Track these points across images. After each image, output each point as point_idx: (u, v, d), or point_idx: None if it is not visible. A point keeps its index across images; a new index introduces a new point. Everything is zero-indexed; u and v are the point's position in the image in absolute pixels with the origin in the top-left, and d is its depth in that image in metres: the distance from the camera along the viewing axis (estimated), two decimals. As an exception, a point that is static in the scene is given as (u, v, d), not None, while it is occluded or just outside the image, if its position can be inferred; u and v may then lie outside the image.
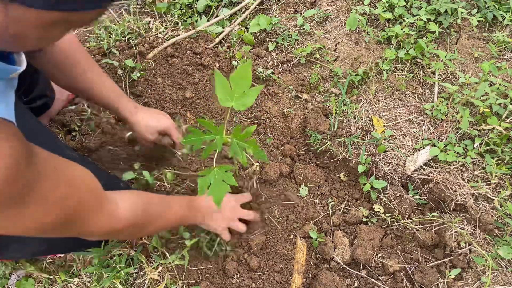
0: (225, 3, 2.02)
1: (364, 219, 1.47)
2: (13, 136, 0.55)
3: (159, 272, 1.26)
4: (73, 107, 1.61)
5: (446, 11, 1.75)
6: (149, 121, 1.30)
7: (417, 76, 1.71)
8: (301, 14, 1.94)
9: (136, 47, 1.79)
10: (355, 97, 1.69)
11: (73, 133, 1.50)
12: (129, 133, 1.48)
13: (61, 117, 1.56)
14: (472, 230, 1.38)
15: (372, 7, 1.88)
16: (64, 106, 1.58)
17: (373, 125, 1.61)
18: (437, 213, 1.42)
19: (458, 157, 1.48)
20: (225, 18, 1.96)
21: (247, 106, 1.14)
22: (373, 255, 1.38)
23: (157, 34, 1.90)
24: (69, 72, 1.15)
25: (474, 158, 1.49)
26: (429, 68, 1.71)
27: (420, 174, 1.49)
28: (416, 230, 1.41)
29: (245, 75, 1.11)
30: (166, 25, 1.96)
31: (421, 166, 1.50)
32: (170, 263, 1.28)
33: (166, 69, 1.76)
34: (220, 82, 1.13)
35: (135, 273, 1.27)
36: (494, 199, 1.40)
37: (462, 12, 1.72)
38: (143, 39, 1.84)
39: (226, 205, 1.30)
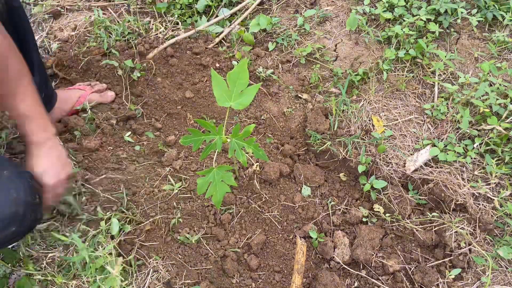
0: (225, 3, 2.02)
1: (364, 219, 1.47)
2: None
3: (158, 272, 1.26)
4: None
5: (446, 11, 1.75)
6: (36, 167, 1.14)
7: (417, 76, 1.71)
8: (301, 14, 1.94)
9: (136, 47, 1.79)
10: (355, 97, 1.69)
11: (75, 133, 1.50)
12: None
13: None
14: (472, 230, 1.38)
15: (372, 7, 1.88)
16: (64, 116, 1.56)
17: (373, 125, 1.61)
18: (437, 213, 1.42)
19: (458, 157, 1.48)
20: (225, 18, 1.96)
21: (246, 106, 1.14)
22: (373, 255, 1.38)
23: (157, 34, 1.91)
24: None
25: (474, 158, 1.49)
26: (429, 68, 1.71)
27: (420, 174, 1.49)
28: (416, 230, 1.41)
29: (242, 73, 1.11)
30: (166, 25, 1.96)
31: (421, 166, 1.50)
32: (169, 263, 1.29)
33: (166, 69, 1.76)
34: (217, 81, 1.13)
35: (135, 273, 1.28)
36: (494, 199, 1.40)
37: (462, 12, 1.72)
38: (143, 39, 1.84)
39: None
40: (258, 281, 1.33)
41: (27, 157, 1.15)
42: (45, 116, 1.16)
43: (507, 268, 1.33)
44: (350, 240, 1.43)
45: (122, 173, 1.45)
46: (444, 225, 1.38)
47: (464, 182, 1.44)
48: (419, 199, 1.48)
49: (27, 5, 2.04)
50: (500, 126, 1.45)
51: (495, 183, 1.42)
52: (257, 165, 1.50)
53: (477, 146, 1.49)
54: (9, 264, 1.25)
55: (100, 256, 1.17)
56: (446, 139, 1.53)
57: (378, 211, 1.47)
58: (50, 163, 1.15)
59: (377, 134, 1.56)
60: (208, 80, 1.76)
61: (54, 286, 1.23)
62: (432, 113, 1.60)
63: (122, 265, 1.20)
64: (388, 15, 1.79)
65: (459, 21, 1.75)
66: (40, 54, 1.42)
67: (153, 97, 1.70)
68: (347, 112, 1.64)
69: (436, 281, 1.31)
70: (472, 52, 1.73)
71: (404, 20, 1.76)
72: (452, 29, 1.79)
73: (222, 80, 1.12)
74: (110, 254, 1.20)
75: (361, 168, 1.51)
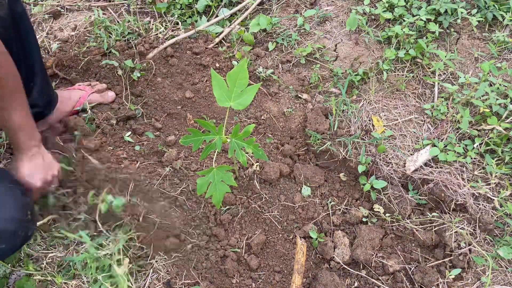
0: (225, 3, 2.02)
1: (364, 219, 1.47)
2: None
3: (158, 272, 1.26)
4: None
5: (446, 11, 1.75)
6: (24, 170, 1.19)
7: (417, 76, 1.71)
8: (301, 14, 1.94)
9: (136, 47, 1.79)
10: (355, 97, 1.69)
11: (75, 133, 1.50)
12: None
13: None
14: (472, 230, 1.38)
15: (372, 7, 1.88)
16: (64, 116, 1.56)
17: (373, 125, 1.61)
18: (437, 213, 1.42)
19: (458, 157, 1.48)
20: (225, 18, 1.96)
21: (246, 106, 1.14)
22: (373, 255, 1.38)
23: (157, 34, 1.91)
24: None
25: (474, 158, 1.49)
26: (429, 68, 1.71)
27: (420, 174, 1.49)
28: (416, 230, 1.41)
29: (242, 73, 1.11)
30: (166, 25, 1.96)
31: (421, 166, 1.50)
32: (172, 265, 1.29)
33: (166, 69, 1.76)
34: (216, 81, 1.13)
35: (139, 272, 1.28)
36: (494, 199, 1.40)
37: (462, 12, 1.72)
38: (143, 39, 1.84)
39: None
40: (258, 281, 1.33)
41: (14, 163, 1.21)
42: (34, 127, 1.22)
43: (507, 268, 1.33)
44: (350, 240, 1.43)
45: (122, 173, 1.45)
46: (444, 225, 1.38)
47: (464, 182, 1.44)
48: (419, 199, 1.48)
49: (27, 5, 2.04)
50: (500, 126, 1.45)
51: (495, 183, 1.42)
52: (257, 165, 1.50)
53: (477, 146, 1.49)
54: (9, 264, 1.25)
55: (107, 254, 1.17)
56: (446, 139, 1.53)
57: (378, 211, 1.47)
58: (34, 167, 1.20)
59: (377, 134, 1.56)
60: (208, 80, 1.76)
61: (54, 286, 1.23)
62: (432, 113, 1.60)
63: (128, 265, 1.20)
64: (388, 15, 1.79)
65: (459, 21, 1.75)
66: (41, 56, 1.43)
67: (153, 97, 1.70)
68: (347, 112, 1.64)
69: (436, 281, 1.31)
70: (472, 52, 1.73)
71: (404, 20, 1.76)
72: (452, 29, 1.79)
73: (222, 80, 1.12)
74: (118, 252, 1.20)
75: (361, 168, 1.51)
